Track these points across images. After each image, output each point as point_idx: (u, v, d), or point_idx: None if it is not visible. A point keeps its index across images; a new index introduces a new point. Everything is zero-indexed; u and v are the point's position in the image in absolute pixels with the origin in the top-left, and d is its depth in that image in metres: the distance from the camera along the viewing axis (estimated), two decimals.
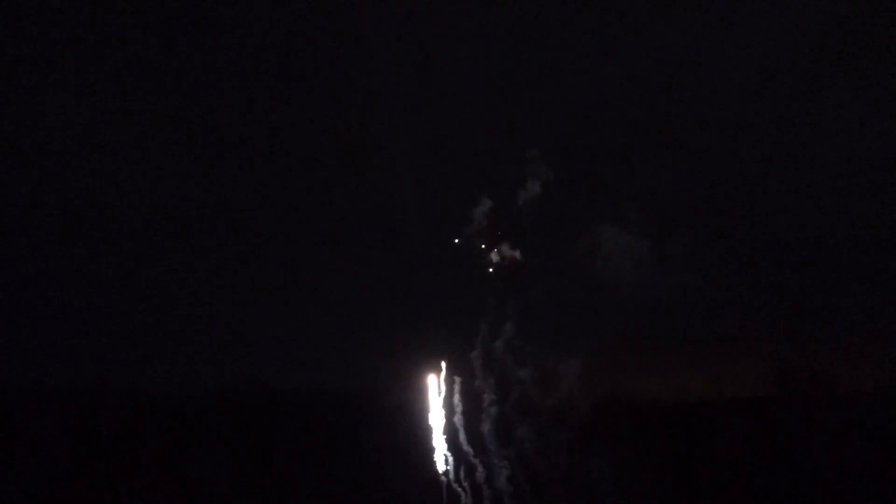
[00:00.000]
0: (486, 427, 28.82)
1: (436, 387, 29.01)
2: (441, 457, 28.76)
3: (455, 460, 28.86)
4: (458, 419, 28.93)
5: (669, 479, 34.67)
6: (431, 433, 28.85)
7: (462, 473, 28.83)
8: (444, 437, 28.84)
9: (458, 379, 29.08)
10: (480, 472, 28.88)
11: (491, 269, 28.96)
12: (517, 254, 28.91)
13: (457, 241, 28.54)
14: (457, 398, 28.95)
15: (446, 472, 28.74)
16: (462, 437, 28.83)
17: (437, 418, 28.86)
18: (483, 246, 28.83)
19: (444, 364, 29.12)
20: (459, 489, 28.78)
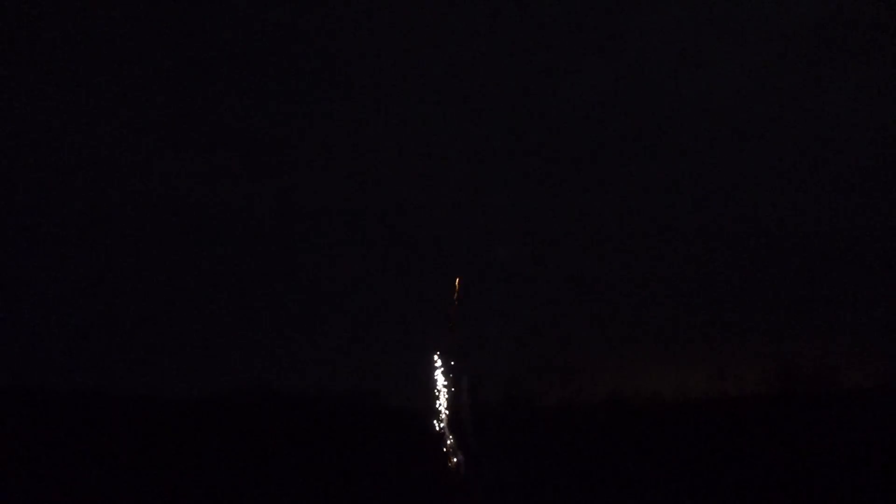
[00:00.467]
0: (492, 425, 28.94)
1: (441, 385, 29.11)
2: (448, 455, 28.84)
3: (463, 458, 28.94)
4: (463, 416, 29.04)
5: (671, 476, 34.70)
6: (437, 432, 28.92)
7: (470, 472, 28.90)
8: (451, 435, 28.93)
9: (464, 377, 29.22)
10: (487, 470, 28.93)
11: (494, 268, 29.13)
12: (520, 253, 29.07)
13: (460, 241, 28.68)
14: (463, 396, 29.07)
15: (454, 471, 28.81)
16: (469, 434, 28.95)
17: (443, 417, 28.94)
18: (485, 246, 29.03)
19: (449, 363, 29.23)
20: (467, 487, 28.83)
